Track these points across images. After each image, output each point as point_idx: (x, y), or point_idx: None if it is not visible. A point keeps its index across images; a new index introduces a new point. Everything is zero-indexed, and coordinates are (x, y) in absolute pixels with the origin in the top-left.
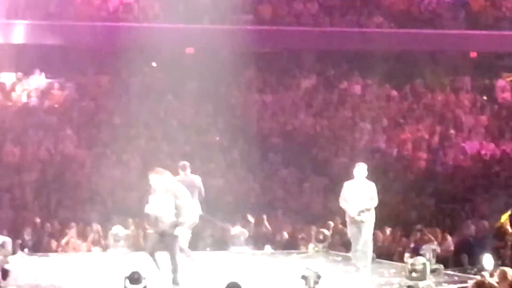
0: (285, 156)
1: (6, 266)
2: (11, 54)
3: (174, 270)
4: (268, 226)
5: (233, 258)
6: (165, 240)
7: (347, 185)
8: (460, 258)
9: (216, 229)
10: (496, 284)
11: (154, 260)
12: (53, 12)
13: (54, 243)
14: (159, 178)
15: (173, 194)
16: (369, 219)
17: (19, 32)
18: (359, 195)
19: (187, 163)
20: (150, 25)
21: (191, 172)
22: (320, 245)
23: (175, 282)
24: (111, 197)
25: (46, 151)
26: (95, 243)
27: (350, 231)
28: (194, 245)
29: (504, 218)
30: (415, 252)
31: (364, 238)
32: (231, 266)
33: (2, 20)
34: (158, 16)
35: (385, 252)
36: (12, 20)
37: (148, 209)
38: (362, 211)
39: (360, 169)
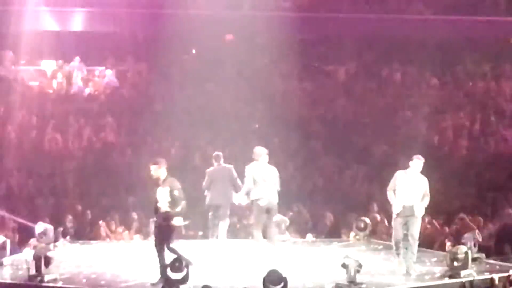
0: (326, 144)
1: (49, 254)
2: (51, 42)
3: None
4: (307, 214)
5: (274, 246)
6: (162, 231)
7: (400, 177)
8: (502, 247)
9: None
10: None
11: (159, 253)
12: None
13: (96, 231)
14: (157, 169)
15: (170, 185)
16: (420, 214)
17: (61, 19)
18: (413, 189)
19: (220, 154)
20: (189, 12)
21: (229, 161)
22: (361, 233)
23: (162, 274)
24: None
25: (87, 139)
26: (137, 231)
27: (395, 223)
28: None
29: None
30: (457, 241)
31: (410, 233)
32: (272, 254)
33: (41, 7)
34: (197, 2)
35: (426, 241)
36: (52, 7)
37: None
38: (414, 206)
39: (417, 163)
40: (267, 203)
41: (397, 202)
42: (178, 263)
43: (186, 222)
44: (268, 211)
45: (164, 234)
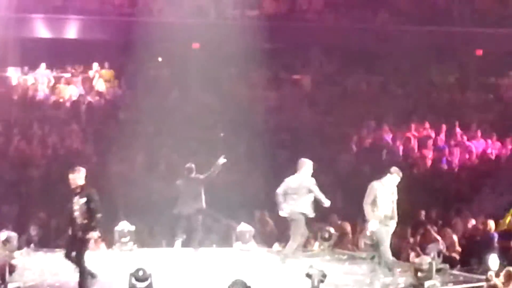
0: (292, 153)
1: (13, 262)
2: (17, 48)
3: (81, 273)
4: (271, 223)
5: (238, 255)
6: (76, 243)
7: (379, 188)
8: (466, 258)
9: (221, 226)
10: (501, 285)
11: (71, 262)
12: (59, 6)
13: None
14: (75, 178)
15: (87, 196)
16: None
17: (27, 26)
18: (390, 200)
19: (191, 166)
20: (156, 20)
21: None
22: (326, 244)
23: (80, 285)
24: (116, 193)
25: (51, 147)
26: (102, 239)
27: (381, 233)
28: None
29: (508, 219)
30: (422, 251)
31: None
32: (236, 264)
33: (5, 13)
34: (164, 10)
35: (391, 251)
36: (17, 14)
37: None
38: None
39: (396, 178)
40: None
41: (378, 212)
42: (142, 272)
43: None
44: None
45: (78, 246)
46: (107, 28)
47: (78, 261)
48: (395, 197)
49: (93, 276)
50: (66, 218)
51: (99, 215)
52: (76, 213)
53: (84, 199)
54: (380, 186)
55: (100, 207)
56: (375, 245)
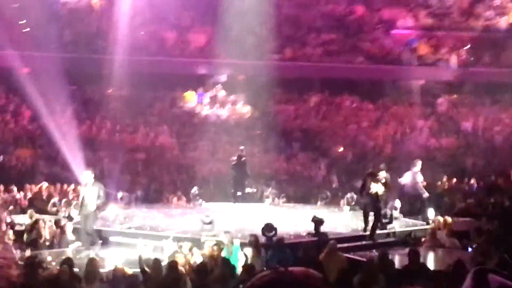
0: (302, 145)
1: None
2: None
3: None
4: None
5: (268, 208)
6: (89, 220)
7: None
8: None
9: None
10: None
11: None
12: None
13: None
14: (89, 174)
15: (98, 186)
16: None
17: None
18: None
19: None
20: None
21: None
22: (323, 202)
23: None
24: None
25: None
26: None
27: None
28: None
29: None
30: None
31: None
32: (266, 214)
33: None
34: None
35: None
36: None
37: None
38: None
39: (384, 173)
40: None
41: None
42: (208, 218)
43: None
44: None
45: (90, 222)
46: None
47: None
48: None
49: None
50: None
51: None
52: (88, 200)
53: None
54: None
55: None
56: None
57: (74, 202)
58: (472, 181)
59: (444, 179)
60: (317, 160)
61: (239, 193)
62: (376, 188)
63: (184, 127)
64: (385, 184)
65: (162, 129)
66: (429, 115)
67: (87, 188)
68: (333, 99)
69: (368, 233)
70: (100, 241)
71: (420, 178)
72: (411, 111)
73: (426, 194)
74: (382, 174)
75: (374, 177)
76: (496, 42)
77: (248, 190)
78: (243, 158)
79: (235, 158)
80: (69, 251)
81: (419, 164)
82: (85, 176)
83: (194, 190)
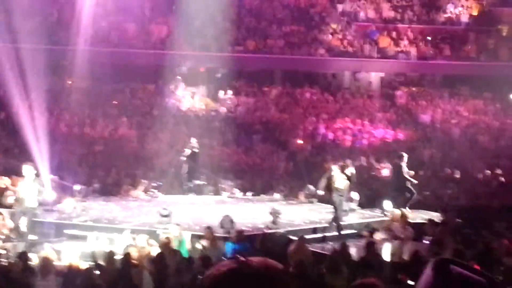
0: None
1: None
2: None
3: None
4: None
5: (226, 200)
6: (27, 215)
7: (335, 170)
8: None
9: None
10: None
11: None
12: None
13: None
14: (30, 169)
15: (38, 182)
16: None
17: None
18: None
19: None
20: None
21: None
22: (282, 194)
23: None
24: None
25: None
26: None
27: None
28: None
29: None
30: None
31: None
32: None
33: None
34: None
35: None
36: None
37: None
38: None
39: (351, 168)
40: None
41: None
42: (167, 211)
43: None
44: None
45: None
46: None
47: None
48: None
49: None
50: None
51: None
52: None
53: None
54: (336, 168)
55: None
56: None
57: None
58: (429, 173)
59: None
60: (276, 153)
61: (190, 185)
62: (341, 183)
63: (144, 118)
64: (349, 179)
65: (121, 121)
66: (388, 108)
67: (27, 183)
68: (293, 91)
69: (330, 225)
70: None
71: (406, 169)
72: (370, 104)
73: (414, 182)
74: (350, 170)
75: (341, 171)
76: (456, 35)
77: (197, 182)
78: (195, 150)
79: (187, 150)
80: (23, 245)
81: (405, 157)
82: (25, 170)
83: (152, 182)
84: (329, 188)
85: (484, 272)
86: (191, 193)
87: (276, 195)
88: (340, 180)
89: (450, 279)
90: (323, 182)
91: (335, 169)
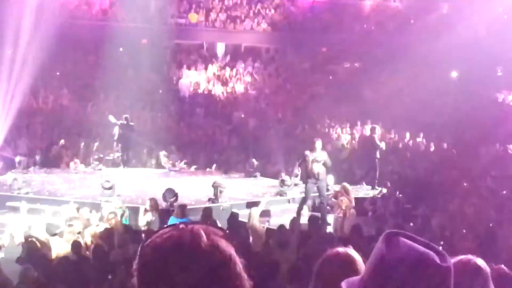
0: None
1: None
2: None
3: None
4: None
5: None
6: None
7: (309, 154)
8: None
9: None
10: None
11: None
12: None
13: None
14: None
15: None
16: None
17: None
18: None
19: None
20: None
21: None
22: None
23: None
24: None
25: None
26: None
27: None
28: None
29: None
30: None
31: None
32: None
33: None
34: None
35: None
36: None
37: None
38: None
39: (319, 143)
40: None
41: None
42: (109, 182)
43: None
44: None
45: None
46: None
47: None
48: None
49: None
50: None
51: None
52: None
53: None
54: (308, 152)
55: None
56: None
57: None
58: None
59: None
60: (219, 126)
61: (124, 157)
62: (318, 168)
63: (86, 90)
64: (324, 164)
65: (62, 92)
66: (330, 83)
67: None
68: (235, 65)
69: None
70: None
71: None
72: (312, 78)
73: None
74: (323, 156)
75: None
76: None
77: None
78: (131, 123)
79: (122, 122)
80: None
81: (378, 128)
82: None
83: (94, 154)
84: (309, 176)
85: (432, 244)
86: (125, 165)
87: (219, 169)
88: (317, 166)
89: (400, 251)
90: (304, 172)
91: (318, 146)
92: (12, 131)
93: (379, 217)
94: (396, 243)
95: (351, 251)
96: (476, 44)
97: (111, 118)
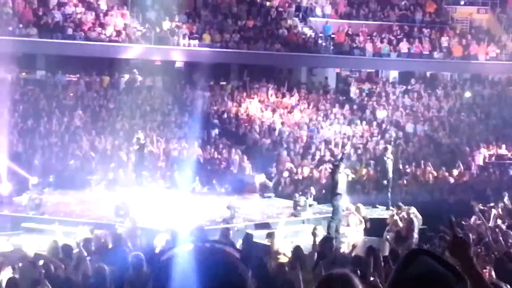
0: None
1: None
2: None
3: None
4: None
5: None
6: None
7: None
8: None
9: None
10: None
11: None
12: None
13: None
14: None
15: None
16: None
17: None
18: None
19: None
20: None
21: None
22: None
23: None
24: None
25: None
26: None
27: None
28: None
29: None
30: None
31: None
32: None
33: None
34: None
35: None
36: None
37: None
38: None
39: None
40: None
41: None
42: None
43: None
44: None
45: None
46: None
47: None
48: None
49: None
50: None
51: None
52: None
53: None
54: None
55: None
56: None
57: None
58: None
59: (358, 167)
60: (233, 147)
61: (138, 178)
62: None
63: (101, 111)
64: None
65: (76, 113)
66: (344, 103)
67: None
68: (250, 85)
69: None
70: None
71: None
72: (326, 99)
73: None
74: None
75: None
76: (412, 32)
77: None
78: (143, 142)
79: (137, 143)
80: None
81: (389, 149)
82: None
83: (109, 175)
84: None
85: (453, 265)
86: (140, 185)
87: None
88: (343, 177)
89: (419, 268)
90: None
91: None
92: (27, 151)
93: (400, 238)
94: (418, 261)
95: (347, 272)
96: None
97: (141, 135)
